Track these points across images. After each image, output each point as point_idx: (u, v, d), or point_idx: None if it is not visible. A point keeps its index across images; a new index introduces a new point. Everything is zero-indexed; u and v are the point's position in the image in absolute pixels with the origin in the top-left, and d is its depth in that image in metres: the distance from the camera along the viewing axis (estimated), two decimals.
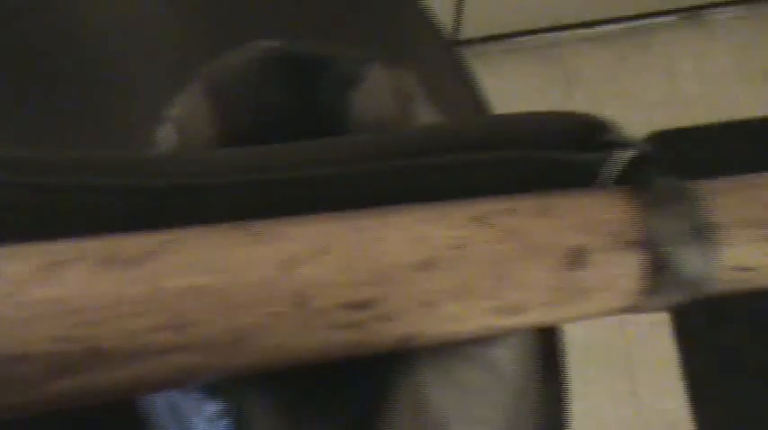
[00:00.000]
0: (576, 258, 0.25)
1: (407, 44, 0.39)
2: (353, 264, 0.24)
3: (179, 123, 0.27)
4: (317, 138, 0.27)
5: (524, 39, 1.26)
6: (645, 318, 1.14)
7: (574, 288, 0.25)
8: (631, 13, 1.25)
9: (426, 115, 0.29)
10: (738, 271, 0.25)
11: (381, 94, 0.27)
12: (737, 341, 1.12)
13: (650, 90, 1.23)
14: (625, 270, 0.25)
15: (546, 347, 0.36)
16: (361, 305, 0.24)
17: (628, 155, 0.26)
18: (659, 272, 0.25)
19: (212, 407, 0.27)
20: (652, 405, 1.11)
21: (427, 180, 0.26)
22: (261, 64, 0.27)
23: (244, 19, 0.45)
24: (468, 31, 1.22)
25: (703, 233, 0.25)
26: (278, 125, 0.28)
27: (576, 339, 1.24)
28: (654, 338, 1.13)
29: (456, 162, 0.25)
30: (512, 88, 1.25)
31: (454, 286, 0.24)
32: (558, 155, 0.26)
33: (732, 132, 1.20)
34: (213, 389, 0.27)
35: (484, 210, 0.25)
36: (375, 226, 0.25)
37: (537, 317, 0.25)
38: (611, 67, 1.25)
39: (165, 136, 0.28)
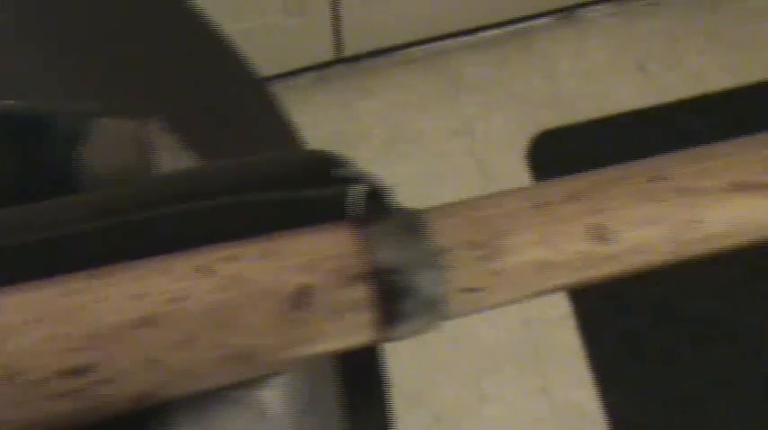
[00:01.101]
0: (301, 299, 0.25)
1: (205, 87, 0.39)
2: (67, 330, 0.24)
3: None
4: (48, 198, 0.26)
5: (410, 50, 1.27)
6: (550, 314, 1.16)
7: (301, 328, 0.25)
8: (510, 17, 1.28)
9: (174, 163, 0.29)
10: (467, 293, 0.26)
11: (113, 147, 0.27)
12: (639, 328, 1.15)
13: (534, 91, 1.26)
14: (353, 305, 0.25)
15: (353, 378, 0.36)
16: (78, 371, 0.23)
17: (358, 189, 0.27)
18: (393, 301, 0.26)
19: None
20: (564, 398, 1.13)
21: (151, 233, 0.25)
22: None
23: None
24: (353, 48, 1.22)
25: (430, 259, 0.26)
26: (6, 188, 0.27)
27: (484, 342, 1.26)
28: (560, 333, 1.15)
29: (180, 212, 0.25)
30: (402, 100, 1.26)
31: (178, 340, 0.24)
32: (289, 194, 0.26)
33: (614, 125, 1.24)
34: None
35: (207, 259, 0.25)
36: (91, 287, 0.24)
37: (271, 359, 0.25)
38: (496, 71, 1.28)
39: None
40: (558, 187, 0.26)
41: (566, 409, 1.13)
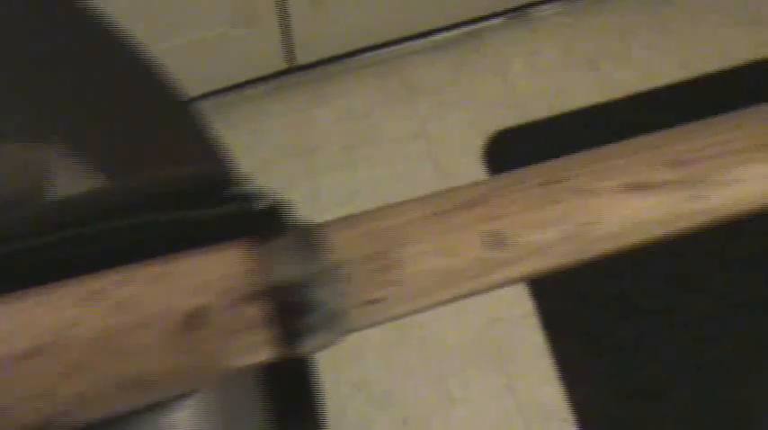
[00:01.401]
0: (194, 321, 0.24)
1: (118, 106, 0.38)
2: None
3: None
4: None
5: (363, 56, 1.28)
6: (512, 312, 1.17)
7: (197, 351, 0.25)
8: (461, 19, 1.29)
9: (72, 187, 0.28)
10: (368, 305, 0.26)
11: (5, 173, 0.27)
12: (600, 322, 1.16)
13: (488, 91, 1.27)
14: (249, 324, 0.25)
15: (280, 387, 0.36)
16: None
17: (254, 206, 0.26)
18: (292, 318, 0.26)
19: None
20: (530, 396, 1.14)
21: (41, 260, 0.25)
22: None
23: None
24: (305, 57, 1.22)
25: (329, 273, 0.26)
26: None
27: (449, 343, 1.27)
28: (523, 331, 1.16)
29: (70, 237, 0.25)
30: (358, 105, 1.26)
31: (68, 368, 0.24)
32: (182, 214, 0.26)
33: (569, 122, 1.25)
34: None
35: (97, 285, 0.25)
36: None
37: (169, 384, 0.25)
38: (449, 73, 1.28)
39: None
40: (455, 195, 0.26)
41: (532, 407, 1.14)
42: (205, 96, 1.23)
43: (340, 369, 1.13)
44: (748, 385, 1.12)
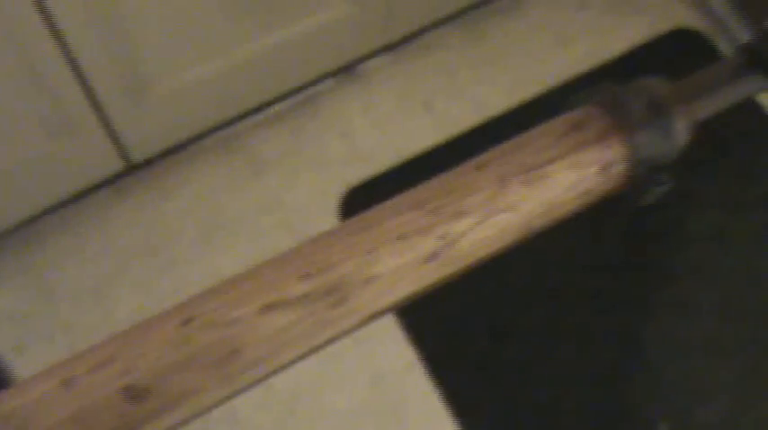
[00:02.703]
0: None
1: None
2: None
3: None
4: None
5: (201, 141, 1.27)
6: (396, 365, 1.16)
7: None
8: (293, 86, 1.30)
9: None
10: None
11: None
12: (483, 354, 1.17)
13: (333, 152, 1.28)
14: None
15: None
16: None
17: None
18: None
19: None
20: None
21: None
22: None
23: None
24: (140, 154, 1.20)
25: None
26: None
27: (340, 411, 1.24)
28: (411, 380, 1.16)
29: None
30: (205, 191, 1.25)
31: None
32: None
33: (415, 166, 1.28)
34: None
35: None
36: None
37: None
38: (292, 142, 1.29)
39: None
40: (86, 357, 0.26)
41: None
42: (46, 213, 1.19)
43: None
44: (629, 388, 1.15)
